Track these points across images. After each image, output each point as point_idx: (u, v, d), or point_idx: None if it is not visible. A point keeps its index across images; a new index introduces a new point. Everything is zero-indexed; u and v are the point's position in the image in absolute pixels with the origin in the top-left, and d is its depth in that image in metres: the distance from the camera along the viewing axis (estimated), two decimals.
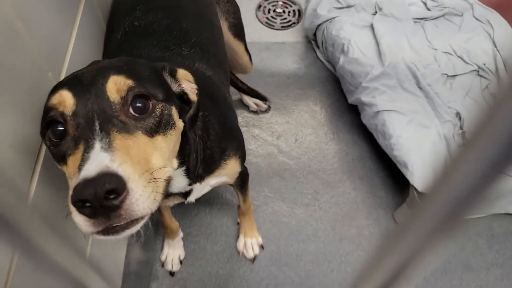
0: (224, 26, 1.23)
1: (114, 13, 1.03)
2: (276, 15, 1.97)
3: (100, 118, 0.54)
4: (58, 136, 0.55)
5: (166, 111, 0.60)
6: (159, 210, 1.18)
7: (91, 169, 0.48)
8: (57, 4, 0.75)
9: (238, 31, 1.28)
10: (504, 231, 1.43)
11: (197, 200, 1.25)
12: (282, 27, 1.92)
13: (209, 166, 0.85)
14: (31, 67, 0.65)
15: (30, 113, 0.65)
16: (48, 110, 0.56)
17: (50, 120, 0.56)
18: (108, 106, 0.56)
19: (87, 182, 0.47)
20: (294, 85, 1.74)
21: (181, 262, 1.34)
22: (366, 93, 1.51)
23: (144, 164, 0.53)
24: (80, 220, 0.49)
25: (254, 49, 1.79)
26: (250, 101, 1.63)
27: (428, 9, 1.78)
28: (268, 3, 2.01)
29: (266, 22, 1.94)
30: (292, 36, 1.89)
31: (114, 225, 0.49)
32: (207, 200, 1.45)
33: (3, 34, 0.57)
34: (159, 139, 0.59)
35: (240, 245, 1.36)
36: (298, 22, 1.95)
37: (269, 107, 1.64)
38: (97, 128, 0.53)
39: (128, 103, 0.57)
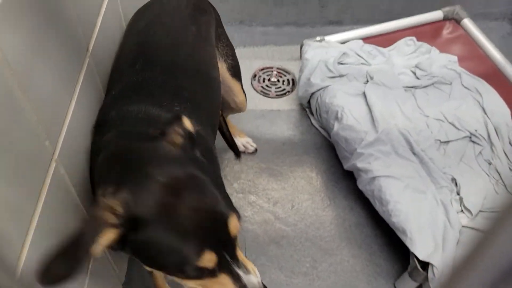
0: (223, 67, 1.31)
1: (116, 67, 1.06)
2: (271, 84, 2.03)
3: (229, 253, 0.68)
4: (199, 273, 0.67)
5: None
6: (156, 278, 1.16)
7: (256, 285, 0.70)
8: (59, 73, 0.77)
9: (236, 72, 1.38)
10: None
11: None
12: (277, 95, 1.97)
13: None
14: (28, 135, 0.65)
15: (24, 181, 0.64)
16: (195, 268, 0.65)
17: (203, 269, 0.66)
18: (231, 242, 0.69)
19: None
20: (290, 152, 1.76)
21: None
22: (361, 159, 1.52)
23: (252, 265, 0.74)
24: None
25: (249, 116, 1.83)
26: (238, 141, 1.70)
27: (418, 78, 1.84)
28: (263, 73, 2.07)
29: (261, 91, 1.99)
30: (286, 104, 1.93)
31: None
32: None
33: (2, 102, 0.58)
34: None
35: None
36: (292, 91, 2.01)
37: (256, 150, 1.72)
38: (230, 260, 0.68)
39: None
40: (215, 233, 0.66)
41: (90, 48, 0.92)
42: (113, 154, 0.76)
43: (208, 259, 0.65)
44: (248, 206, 1.58)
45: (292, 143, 1.78)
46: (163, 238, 0.63)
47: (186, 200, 0.65)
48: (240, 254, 0.70)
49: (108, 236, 0.59)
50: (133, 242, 0.63)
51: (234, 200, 1.57)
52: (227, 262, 0.68)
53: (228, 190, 1.60)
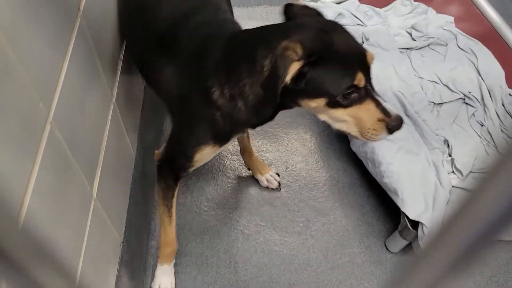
0: None
1: None
2: None
3: (369, 82, 0.87)
4: (347, 96, 0.85)
5: None
6: (168, 215, 1.18)
7: (393, 112, 0.88)
8: (50, 33, 0.75)
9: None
10: None
11: (189, 229, 1.25)
12: None
13: None
14: (21, 97, 0.65)
15: (19, 144, 0.64)
16: (351, 86, 0.84)
17: (354, 88, 0.85)
18: (369, 72, 0.87)
19: (397, 119, 0.88)
20: (284, 114, 1.74)
21: None
22: None
23: None
24: (385, 135, 0.89)
25: None
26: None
27: (413, 39, 1.83)
28: None
29: None
30: None
31: None
32: (198, 230, 1.44)
33: None
34: None
35: (264, 182, 1.53)
36: None
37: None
38: (370, 88, 0.88)
39: None
40: (361, 62, 0.86)
41: (82, 7, 0.90)
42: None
43: (360, 78, 0.84)
44: (242, 167, 1.59)
45: None
46: (333, 65, 0.84)
47: (340, 38, 0.86)
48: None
49: (294, 67, 0.80)
50: (309, 73, 0.82)
51: (228, 162, 1.59)
52: (370, 90, 0.87)
53: (223, 153, 1.61)
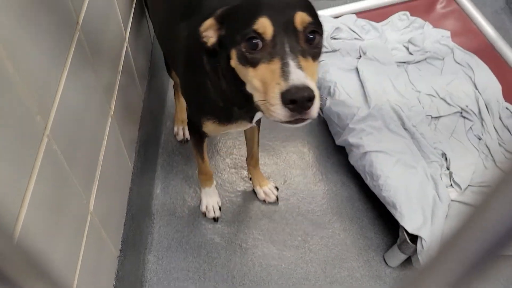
0: None
1: None
2: None
3: (289, 43, 0.74)
4: (253, 47, 0.75)
5: (321, 43, 0.80)
6: (201, 157, 1.32)
7: (297, 80, 0.69)
8: (49, 46, 0.76)
9: None
10: None
11: (186, 242, 1.23)
12: None
13: None
14: (19, 109, 0.65)
15: (15, 157, 0.64)
16: (251, 31, 0.75)
17: (251, 37, 0.75)
18: (295, 35, 0.75)
19: (297, 89, 0.69)
20: (282, 127, 1.74)
21: (220, 208, 1.49)
22: (353, 135, 1.53)
23: (315, 82, 0.73)
24: (283, 111, 0.71)
25: None
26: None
27: (410, 53, 1.84)
28: None
29: None
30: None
31: (301, 118, 0.72)
32: (196, 244, 1.42)
33: None
34: (316, 63, 0.79)
35: (261, 195, 1.53)
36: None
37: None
38: (288, 50, 0.73)
39: (305, 34, 0.76)
40: (280, 14, 0.76)
41: (80, 21, 0.90)
42: None
43: (263, 24, 0.75)
44: (240, 181, 1.59)
45: None
46: (243, 14, 0.79)
47: None
48: (304, 60, 0.74)
49: (208, 22, 0.83)
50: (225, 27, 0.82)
51: (227, 175, 1.58)
52: (286, 52, 0.73)
53: (221, 165, 1.61)
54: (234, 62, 0.81)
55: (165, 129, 1.72)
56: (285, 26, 0.75)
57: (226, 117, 1.04)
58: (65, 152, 0.80)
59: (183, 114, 1.66)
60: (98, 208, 0.97)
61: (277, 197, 1.54)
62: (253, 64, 0.76)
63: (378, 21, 1.96)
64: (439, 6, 2.06)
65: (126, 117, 1.25)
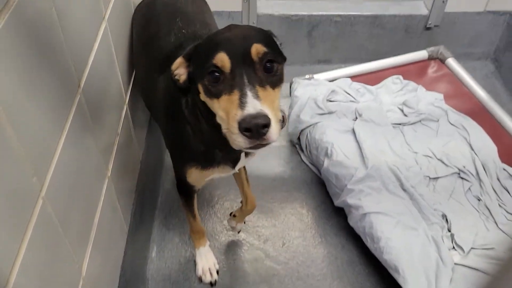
0: None
1: (149, 25, 1.32)
2: None
3: (247, 74, 0.80)
4: (215, 80, 0.82)
5: (281, 71, 0.85)
6: (192, 216, 1.33)
7: (252, 110, 0.75)
8: (49, 109, 0.76)
9: None
10: None
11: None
12: None
13: None
14: (15, 170, 0.64)
15: (9, 218, 0.62)
16: (211, 65, 0.81)
17: (212, 71, 0.81)
18: (252, 66, 0.81)
19: (252, 118, 0.74)
20: (280, 188, 1.75)
21: (217, 272, 1.44)
22: (351, 196, 1.52)
23: (273, 109, 0.79)
24: (242, 139, 0.77)
25: None
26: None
27: (405, 115, 1.87)
28: None
29: None
30: (277, 140, 1.94)
31: (260, 143, 0.78)
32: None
33: None
34: (276, 91, 0.84)
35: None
36: (282, 127, 2.02)
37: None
38: (246, 81, 0.79)
39: (262, 64, 0.82)
40: (233, 47, 0.81)
41: (82, 84, 0.92)
42: None
43: (221, 58, 0.81)
44: (238, 244, 1.55)
45: (283, 180, 1.78)
46: (205, 51, 0.85)
47: (225, 32, 0.86)
48: (262, 89, 0.80)
49: (177, 61, 0.91)
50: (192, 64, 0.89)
51: (224, 238, 1.55)
52: (245, 84, 0.79)
53: (218, 228, 1.58)
54: (202, 96, 0.86)
55: (162, 191, 1.71)
56: (242, 59, 0.81)
57: (208, 161, 1.06)
58: (59, 215, 0.78)
59: None
60: (91, 273, 0.93)
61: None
62: (217, 95, 0.82)
63: (372, 84, 2.01)
64: (430, 70, 2.13)
65: (123, 178, 1.25)
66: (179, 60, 0.91)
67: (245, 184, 1.40)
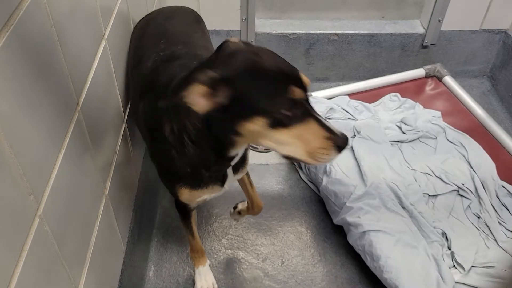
0: None
1: (139, 47, 1.31)
2: None
3: (309, 102, 0.85)
4: (287, 112, 0.80)
5: None
6: (191, 234, 1.34)
7: (338, 131, 0.83)
8: (47, 127, 0.76)
9: None
10: None
11: None
12: (265, 149, 1.98)
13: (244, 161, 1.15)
14: (12, 188, 0.64)
15: (4, 237, 0.62)
16: (288, 99, 0.80)
17: (293, 102, 0.81)
18: (306, 93, 0.84)
19: (343, 136, 0.83)
20: (279, 206, 1.74)
21: None
22: (350, 213, 1.51)
23: None
24: (334, 155, 0.84)
25: None
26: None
27: (403, 133, 1.88)
28: None
29: (250, 145, 2.00)
30: (275, 158, 1.94)
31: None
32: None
33: None
34: None
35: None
36: None
37: None
38: (310, 108, 0.84)
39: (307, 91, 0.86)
40: (295, 78, 0.83)
41: (81, 102, 0.92)
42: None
43: (295, 91, 0.81)
44: (237, 263, 1.53)
45: (281, 198, 1.77)
46: (262, 81, 0.81)
47: (268, 57, 0.85)
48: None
49: (197, 90, 0.79)
50: (234, 94, 0.80)
51: (222, 256, 1.53)
52: (309, 109, 0.83)
53: (216, 246, 1.57)
54: (256, 127, 0.81)
55: (160, 209, 1.70)
56: (303, 88, 0.83)
57: (196, 182, 1.06)
58: (56, 234, 0.77)
59: None
60: None
61: None
62: (287, 125, 0.81)
63: (370, 102, 2.02)
64: (428, 88, 2.14)
65: (121, 196, 1.24)
66: (201, 89, 0.79)
67: (249, 188, 1.39)
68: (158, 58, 1.18)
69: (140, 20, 1.47)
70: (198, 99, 0.79)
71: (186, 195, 1.09)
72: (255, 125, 0.81)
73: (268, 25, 2.19)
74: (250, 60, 0.83)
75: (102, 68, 1.08)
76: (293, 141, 0.83)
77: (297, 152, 0.84)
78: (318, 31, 2.20)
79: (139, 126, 1.23)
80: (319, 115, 0.84)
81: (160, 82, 1.06)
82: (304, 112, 0.82)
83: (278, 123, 0.81)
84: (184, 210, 1.25)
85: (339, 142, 0.83)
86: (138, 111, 1.14)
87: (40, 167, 0.74)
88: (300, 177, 1.85)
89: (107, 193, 1.10)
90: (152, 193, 1.67)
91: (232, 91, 0.79)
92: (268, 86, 0.81)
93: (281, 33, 2.17)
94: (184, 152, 0.96)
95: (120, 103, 1.26)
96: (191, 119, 0.90)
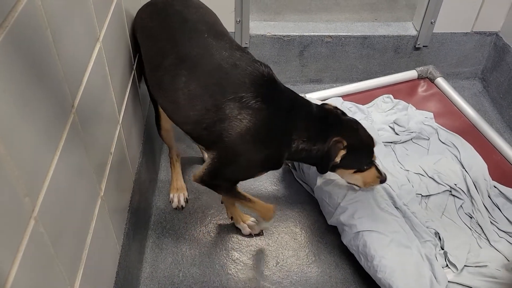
0: None
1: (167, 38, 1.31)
2: None
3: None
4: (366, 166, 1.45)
5: None
6: (242, 197, 1.46)
7: (384, 172, 1.47)
8: (42, 129, 0.77)
9: None
10: None
11: None
12: None
13: None
14: (7, 190, 0.64)
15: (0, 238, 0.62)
16: (372, 161, 1.44)
17: (371, 161, 1.45)
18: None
19: (385, 177, 1.46)
20: (256, 202, 1.74)
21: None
22: (345, 214, 1.52)
23: None
24: (378, 184, 1.50)
25: None
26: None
27: (396, 134, 1.89)
28: None
29: None
30: None
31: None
32: None
33: None
34: None
35: (246, 229, 1.61)
36: None
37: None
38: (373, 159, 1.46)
39: None
40: (373, 145, 1.41)
41: (76, 104, 0.92)
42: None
43: (374, 156, 1.43)
44: (231, 263, 1.54)
45: (276, 198, 1.78)
46: (361, 150, 1.39)
47: (362, 131, 1.38)
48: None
49: (341, 153, 1.31)
50: (347, 155, 1.32)
51: (217, 257, 1.54)
52: (374, 161, 1.44)
53: (211, 247, 1.57)
54: (347, 173, 1.44)
55: (155, 210, 1.70)
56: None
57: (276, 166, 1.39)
58: (51, 236, 0.77)
59: (179, 182, 1.72)
60: None
61: (261, 230, 1.64)
62: (362, 170, 1.43)
63: (363, 103, 2.04)
64: (420, 90, 2.16)
65: (116, 198, 1.24)
66: (342, 154, 1.31)
67: (250, 205, 1.45)
68: (229, 54, 1.25)
69: (147, 5, 1.44)
70: (338, 159, 1.32)
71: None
72: (348, 172, 1.43)
73: (262, 27, 2.20)
74: (356, 134, 1.35)
75: (97, 69, 1.08)
76: (360, 178, 1.45)
77: (359, 182, 1.47)
78: (312, 33, 2.21)
79: (207, 128, 1.24)
80: (376, 163, 1.44)
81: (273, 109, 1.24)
82: (370, 163, 1.43)
83: (359, 171, 1.42)
84: (229, 186, 1.41)
85: (382, 179, 1.46)
86: (222, 112, 1.20)
87: (36, 168, 0.74)
88: (295, 177, 1.86)
89: (102, 194, 1.10)
90: (147, 194, 1.67)
91: (347, 153, 1.32)
92: (364, 154, 1.40)
93: (275, 35, 2.18)
94: (299, 155, 1.34)
95: (115, 104, 1.26)
96: (319, 152, 1.32)
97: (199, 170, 1.37)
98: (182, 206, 1.70)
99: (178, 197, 1.70)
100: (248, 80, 1.21)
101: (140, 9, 1.48)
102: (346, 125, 1.35)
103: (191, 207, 1.72)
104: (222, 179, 1.36)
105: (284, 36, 2.19)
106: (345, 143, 1.29)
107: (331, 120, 1.33)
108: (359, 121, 1.40)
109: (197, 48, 1.26)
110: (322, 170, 1.36)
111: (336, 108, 1.39)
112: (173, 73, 1.26)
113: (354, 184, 1.48)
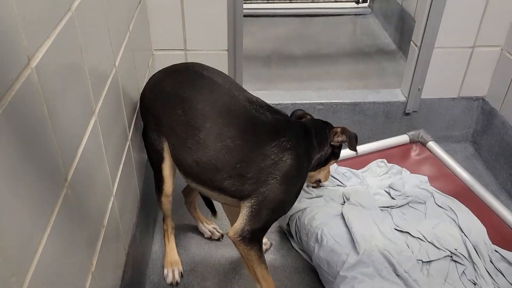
0: None
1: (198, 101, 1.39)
2: None
3: None
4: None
5: None
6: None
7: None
8: (33, 203, 0.75)
9: None
10: None
11: None
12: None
13: None
14: None
15: None
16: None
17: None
18: None
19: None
20: (271, 277, 1.68)
21: None
22: (345, 283, 1.47)
23: None
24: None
25: (229, 240, 1.78)
26: (205, 228, 1.82)
27: (393, 198, 1.88)
28: None
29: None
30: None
31: None
32: None
33: None
34: None
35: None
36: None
37: (222, 236, 1.83)
38: None
39: None
40: None
41: (69, 178, 0.92)
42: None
43: None
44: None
45: (273, 268, 1.73)
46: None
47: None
48: None
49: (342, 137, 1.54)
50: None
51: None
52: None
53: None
54: (333, 163, 1.66)
55: (149, 285, 1.64)
56: None
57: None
58: None
59: (173, 256, 1.68)
60: None
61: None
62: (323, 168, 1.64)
63: (357, 168, 2.05)
64: (413, 153, 2.18)
65: (108, 272, 1.20)
66: (343, 136, 1.56)
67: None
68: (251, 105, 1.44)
69: (159, 78, 1.52)
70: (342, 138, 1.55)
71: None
72: (328, 165, 1.62)
73: (255, 96, 2.26)
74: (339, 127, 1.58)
75: (91, 143, 1.09)
76: (323, 172, 1.64)
77: (324, 177, 1.67)
78: (304, 101, 2.27)
79: (246, 173, 1.34)
80: None
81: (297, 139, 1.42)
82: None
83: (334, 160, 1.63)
84: (260, 240, 1.41)
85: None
86: (263, 154, 1.34)
87: (25, 246, 0.72)
88: (292, 245, 1.82)
89: (93, 269, 1.06)
90: (141, 268, 1.62)
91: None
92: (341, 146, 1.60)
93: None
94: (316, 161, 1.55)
95: (109, 176, 1.25)
96: (327, 150, 1.56)
97: (236, 224, 1.35)
98: (176, 282, 1.64)
99: (173, 272, 1.65)
100: (280, 126, 1.40)
101: (151, 82, 1.54)
102: (325, 122, 1.62)
103: (186, 280, 1.66)
104: (264, 224, 1.37)
105: (277, 104, 2.25)
106: (339, 129, 1.54)
107: (318, 124, 1.57)
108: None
109: (232, 106, 1.41)
110: (336, 156, 1.63)
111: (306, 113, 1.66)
112: (215, 133, 1.35)
113: (318, 181, 1.65)
